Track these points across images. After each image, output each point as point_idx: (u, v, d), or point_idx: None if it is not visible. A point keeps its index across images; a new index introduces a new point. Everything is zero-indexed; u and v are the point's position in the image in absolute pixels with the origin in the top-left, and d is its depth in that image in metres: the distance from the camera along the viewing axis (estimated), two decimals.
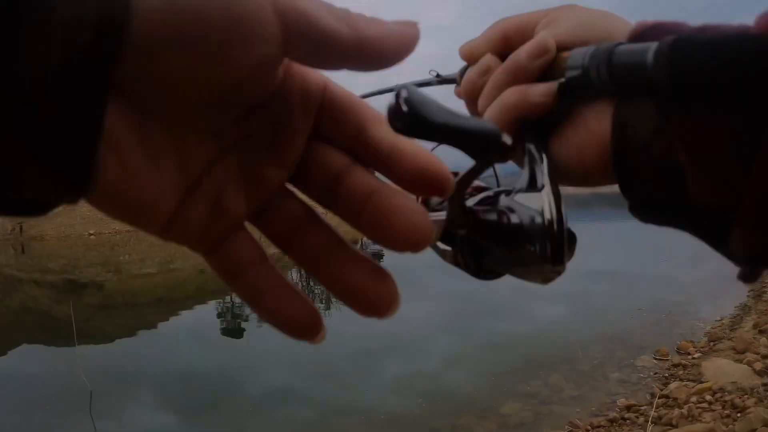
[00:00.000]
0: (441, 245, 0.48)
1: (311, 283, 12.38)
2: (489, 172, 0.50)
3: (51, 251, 27.21)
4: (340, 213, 0.30)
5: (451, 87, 0.58)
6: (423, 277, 12.19)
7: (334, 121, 0.29)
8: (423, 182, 0.29)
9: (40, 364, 7.68)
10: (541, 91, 0.45)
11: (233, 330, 8.79)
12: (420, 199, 0.44)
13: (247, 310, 9.65)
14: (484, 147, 0.32)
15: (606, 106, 0.43)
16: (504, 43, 0.50)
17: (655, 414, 4.63)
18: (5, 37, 0.19)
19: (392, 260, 14.99)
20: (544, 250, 0.39)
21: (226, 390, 6.05)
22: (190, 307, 10.68)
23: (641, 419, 4.71)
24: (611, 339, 6.85)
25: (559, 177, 0.44)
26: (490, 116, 0.47)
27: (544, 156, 0.44)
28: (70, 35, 0.20)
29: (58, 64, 0.20)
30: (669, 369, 5.87)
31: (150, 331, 9.08)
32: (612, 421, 4.75)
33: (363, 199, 0.29)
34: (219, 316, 9.84)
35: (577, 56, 0.44)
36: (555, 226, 0.39)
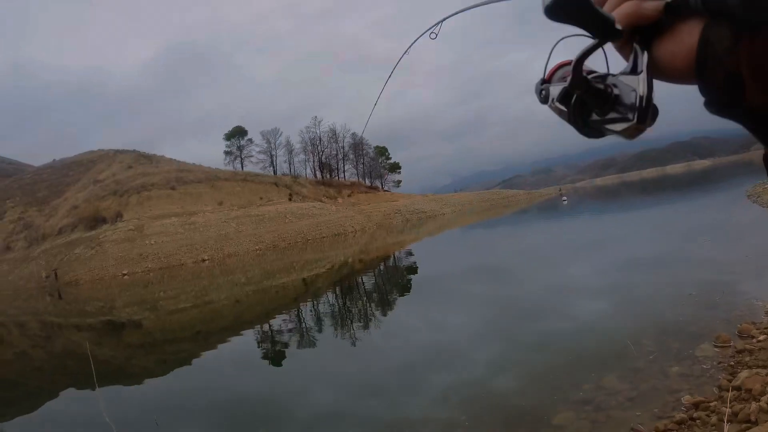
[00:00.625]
0: (559, 105, 0.67)
1: (347, 305, 12.37)
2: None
3: (87, 295, 27.41)
4: None
5: None
6: (457, 285, 12.10)
7: None
8: None
9: (87, 406, 7.65)
10: (652, 5, 0.59)
11: (273, 356, 8.71)
12: (548, 72, 0.72)
13: (286, 336, 9.62)
14: (605, 27, 0.58)
15: (698, 24, 0.56)
16: None
17: (729, 410, 4.09)
18: None
19: (426, 270, 14.87)
20: (633, 113, 0.58)
21: (274, 415, 6.06)
22: (229, 337, 10.64)
23: (714, 418, 4.18)
24: (664, 330, 6.45)
25: (654, 71, 0.60)
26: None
27: (645, 53, 0.61)
28: None
29: None
30: (733, 356, 5.40)
31: (192, 365, 9.04)
32: (680, 423, 4.26)
33: None
34: (259, 344, 9.77)
35: None
36: (644, 100, 0.58)
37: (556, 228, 24.26)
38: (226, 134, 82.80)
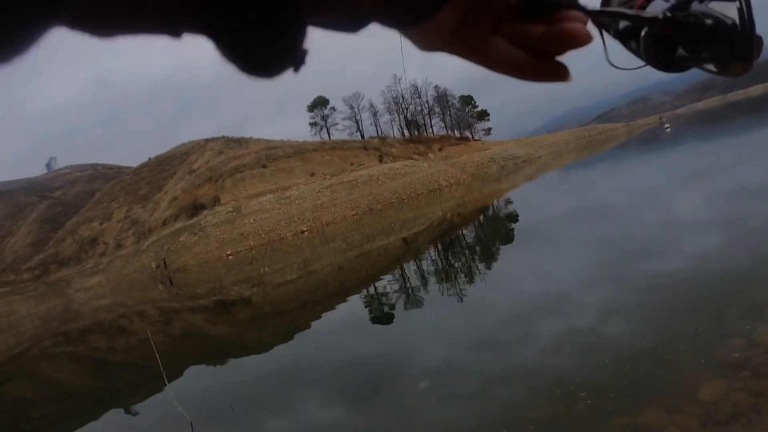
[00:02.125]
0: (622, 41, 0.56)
1: (450, 261, 12.26)
2: None
3: (196, 278, 28.48)
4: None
5: None
6: (561, 230, 11.73)
7: None
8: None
9: (212, 380, 7.91)
10: None
11: (383, 317, 8.70)
12: None
13: (392, 297, 9.60)
14: None
15: None
16: None
17: None
18: None
19: (528, 217, 14.51)
20: (734, 48, 0.47)
21: (389, 375, 6.01)
22: (337, 303, 10.73)
23: None
24: None
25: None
26: None
27: None
28: None
29: None
30: None
31: (304, 333, 9.17)
32: None
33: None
34: (366, 307, 9.80)
35: None
36: (747, 30, 0.47)
37: (663, 159, 23.01)
38: (308, 106, 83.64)
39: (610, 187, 18.42)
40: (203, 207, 50.49)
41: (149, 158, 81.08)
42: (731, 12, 0.47)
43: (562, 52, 0.41)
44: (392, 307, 9.10)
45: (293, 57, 0.28)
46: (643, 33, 0.54)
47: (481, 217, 19.57)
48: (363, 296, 10.79)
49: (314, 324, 9.63)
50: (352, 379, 6.22)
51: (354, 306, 10.10)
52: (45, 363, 15.11)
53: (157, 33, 0.26)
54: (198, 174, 58.67)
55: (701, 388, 3.71)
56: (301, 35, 0.27)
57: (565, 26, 0.40)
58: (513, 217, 17.02)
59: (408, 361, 6.28)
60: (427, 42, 0.39)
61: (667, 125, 60.56)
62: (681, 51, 0.52)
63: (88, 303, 33.42)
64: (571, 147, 68.47)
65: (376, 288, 11.12)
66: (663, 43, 0.53)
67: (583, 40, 0.39)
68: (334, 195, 48.51)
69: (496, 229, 15.72)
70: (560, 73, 0.41)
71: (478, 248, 13.16)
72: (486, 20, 0.40)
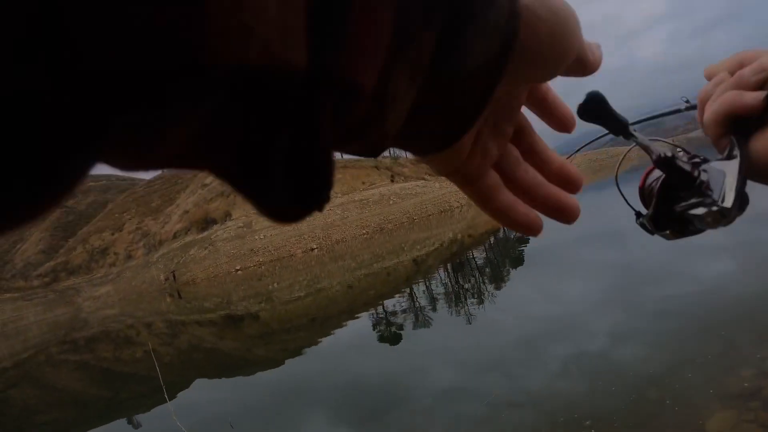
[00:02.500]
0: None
1: (460, 282, 12.21)
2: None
3: (205, 292, 28.53)
4: (536, 167, 0.43)
5: None
6: (571, 253, 11.69)
7: (536, 91, 0.42)
8: (563, 178, 0.43)
9: (216, 395, 7.89)
10: (753, 95, 0.58)
11: (390, 337, 8.68)
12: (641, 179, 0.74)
13: (400, 317, 9.58)
14: (621, 129, 0.66)
15: None
16: (738, 66, 0.63)
17: None
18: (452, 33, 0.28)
19: (538, 240, 14.43)
20: (720, 196, 0.55)
21: (395, 395, 5.98)
22: (344, 322, 10.72)
23: None
24: None
25: (750, 169, 0.58)
26: (711, 108, 0.62)
27: (742, 145, 0.59)
28: (490, 39, 0.30)
29: (490, 58, 0.30)
30: None
31: (310, 350, 9.14)
32: None
33: (558, 165, 0.43)
34: (374, 327, 9.77)
35: None
36: (735, 183, 0.55)
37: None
38: None
39: (621, 210, 18.29)
40: (214, 221, 50.69)
41: (162, 171, 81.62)
42: (727, 168, 0.58)
43: (548, 211, 0.42)
44: (400, 327, 9.07)
45: (320, 197, 0.27)
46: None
47: (492, 239, 19.51)
48: (371, 316, 10.76)
49: (321, 342, 9.61)
50: (357, 398, 6.19)
51: (362, 325, 10.07)
52: (50, 369, 15.17)
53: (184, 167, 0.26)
54: (210, 188, 58.94)
55: (710, 418, 3.65)
56: (328, 175, 0.26)
57: (562, 197, 0.42)
58: (523, 240, 16.97)
59: (414, 382, 6.23)
60: (438, 168, 0.39)
61: (679, 149, 60.70)
62: (680, 202, 0.63)
63: (96, 312, 33.59)
64: (584, 170, 68.03)
65: (384, 308, 11.10)
66: (667, 192, 0.66)
67: (571, 214, 0.42)
68: (345, 213, 48.55)
69: (506, 252, 15.68)
70: (533, 228, 0.42)
71: (487, 270, 13.11)
72: (492, 152, 0.40)
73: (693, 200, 0.60)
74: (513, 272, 11.95)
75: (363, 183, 58.15)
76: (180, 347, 13.65)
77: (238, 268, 39.98)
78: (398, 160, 72.07)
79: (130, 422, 7.66)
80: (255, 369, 9.05)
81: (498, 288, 10.53)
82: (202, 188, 60.79)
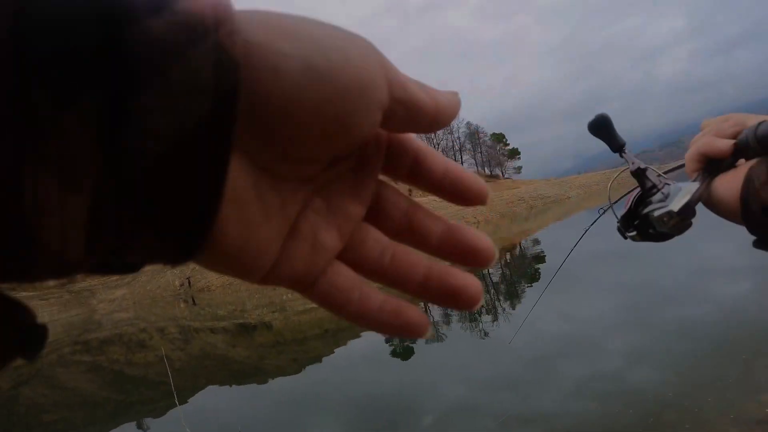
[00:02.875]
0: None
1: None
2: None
3: (219, 299, 28.59)
4: (414, 245, 0.35)
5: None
6: (588, 272, 11.59)
7: (396, 155, 0.34)
8: (469, 197, 0.35)
9: (227, 402, 7.88)
10: (723, 142, 0.72)
11: (403, 351, 8.63)
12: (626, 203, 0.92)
13: None
14: (617, 146, 0.94)
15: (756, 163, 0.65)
16: (724, 120, 0.77)
17: None
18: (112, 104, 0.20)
19: (555, 258, 14.35)
20: (672, 201, 0.74)
21: (406, 409, 5.93)
22: (357, 335, 10.68)
23: None
24: None
25: (711, 201, 0.74)
26: (691, 149, 0.78)
27: (707, 178, 0.74)
28: (189, 105, 0.22)
29: (176, 135, 0.22)
30: None
31: (322, 362, 9.12)
32: None
33: (439, 236, 0.34)
34: (387, 340, 9.73)
35: (750, 128, 0.67)
36: (689, 196, 0.72)
37: None
38: None
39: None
40: None
41: None
42: (686, 185, 0.75)
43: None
44: (413, 341, 9.02)
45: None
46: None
47: (508, 256, 19.43)
48: None
49: (333, 353, 9.60)
50: (367, 412, 6.16)
51: (375, 338, 10.03)
52: (62, 370, 15.21)
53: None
54: None
55: None
56: None
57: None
58: (540, 258, 16.87)
59: (426, 397, 6.20)
60: (237, 275, 0.29)
61: (660, 174, 60.36)
62: (647, 208, 0.81)
63: (111, 315, 33.76)
64: (602, 188, 67.85)
65: None
66: (640, 200, 0.85)
67: (464, 301, 0.33)
68: None
69: (522, 269, 15.59)
70: (412, 331, 0.33)
71: (502, 287, 13.04)
72: (328, 244, 0.31)
73: (653, 206, 0.77)
74: (528, 290, 11.87)
75: None
76: (192, 353, 13.67)
77: None
78: None
79: (139, 426, 7.66)
80: (266, 378, 9.03)
81: (513, 305, 10.47)
82: None
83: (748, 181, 0.64)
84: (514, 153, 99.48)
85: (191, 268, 45.36)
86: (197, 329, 18.52)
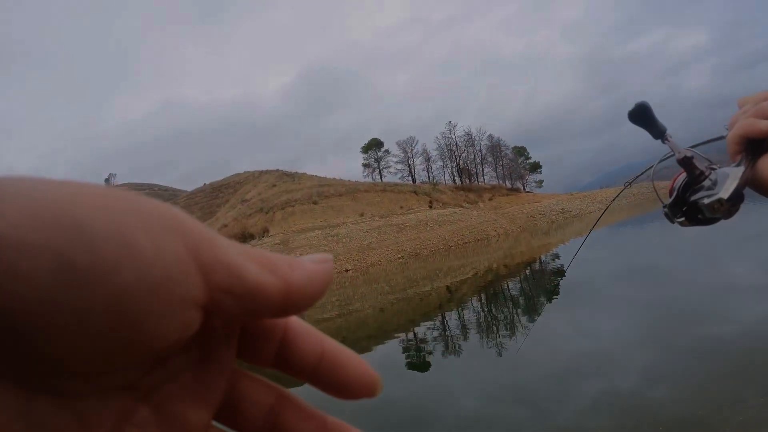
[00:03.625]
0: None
1: (493, 312, 12.07)
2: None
3: None
4: None
5: None
6: (605, 288, 11.49)
7: (255, 337, 0.29)
8: (351, 390, 0.30)
9: None
10: (765, 123, 0.70)
11: (419, 364, 8.61)
12: (673, 180, 0.85)
13: (430, 344, 9.51)
14: (659, 133, 0.90)
15: None
16: (764, 100, 0.74)
17: None
18: None
19: (575, 274, 14.21)
20: (721, 189, 0.72)
21: (421, 422, 5.94)
22: (375, 345, 10.68)
23: None
24: None
25: (754, 181, 0.72)
26: (732, 130, 0.74)
27: (751, 161, 0.72)
28: None
29: None
30: None
31: None
32: None
33: None
34: (404, 351, 9.71)
35: None
36: (737, 181, 0.71)
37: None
38: (363, 147, 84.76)
39: (660, 246, 18.02)
40: (252, 237, 51.22)
41: (204, 184, 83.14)
42: (732, 171, 0.73)
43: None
44: (430, 354, 9.01)
45: None
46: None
47: (528, 270, 19.34)
48: (401, 341, 10.71)
49: None
50: (382, 423, 6.15)
51: (392, 349, 10.03)
52: None
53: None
54: (250, 204, 59.78)
55: None
56: None
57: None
58: (559, 272, 16.79)
59: (441, 410, 6.19)
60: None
61: (705, 158, 59.83)
62: (695, 194, 0.79)
63: None
64: (623, 204, 67.51)
65: (415, 333, 11.04)
66: (687, 186, 0.81)
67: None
68: (382, 236, 48.64)
69: (541, 284, 15.51)
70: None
71: (521, 300, 12.99)
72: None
73: (702, 193, 0.76)
74: (548, 305, 11.80)
75: (401, 207, 58.32)
76: None
77: None
78: (437, 186, 72.05)
79: None
80: (284, 386, 9.04)
81: (531, 320, 10.41)
82: (242, 203, 61.61)
83: None
84: (536, 167, 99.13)
85: None
86: None
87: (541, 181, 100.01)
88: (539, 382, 6.40)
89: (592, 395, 5.56)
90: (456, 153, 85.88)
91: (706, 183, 0.77)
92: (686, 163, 0.80)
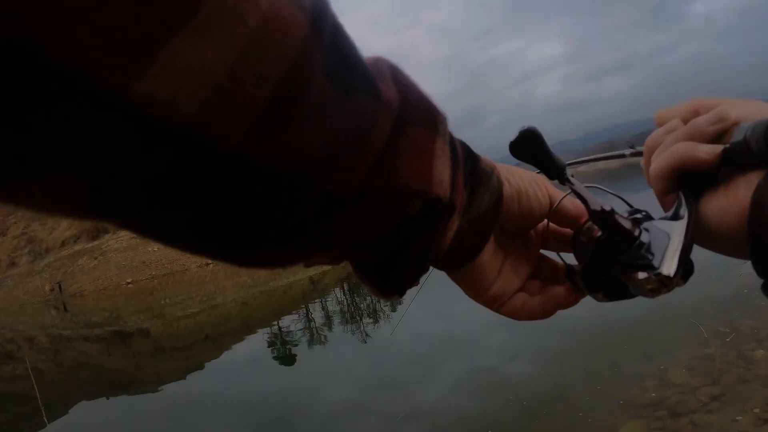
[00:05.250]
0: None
1: (356, 301, 12.30)
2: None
3: (93, 305, 27.43)
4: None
5: None
6: None
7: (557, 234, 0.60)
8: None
9: (101, 418, 7.62)
10: (707, 149, 0.50)
11: (285, 357, 8.67)
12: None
13: (296, 336, 9.57)
14: (557, 172, 0.59)
15: (758, 177, 0.46)
16: (693, 114, 0.56)
17: None
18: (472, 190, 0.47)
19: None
20: (660, 261, 0.48)
21: (291, 414, 5.98)
22: (239, 340, 10.62)
23: None
24: (731, 305, 5.46)
25: (698, 233, 0.50)
26: (659, 160, 0.55)
27: (691, 203, 0.52)
28: (495, 194, 0.49)
29: (491, 206, 0.48)
30: None
31: (203, 370, 9.00)
32: None
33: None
34: (269, 345, 9.73)
35: (743, 127, 0.48)
36: (680, 247, 0.48)
37: None
38: None
39: None
40: (106, 230, 48.76)
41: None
42: (671, 229, 0.50)
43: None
44: (296, 346, 9.07)
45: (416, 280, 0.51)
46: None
47: None
48: (266, 334, 10.69)
49: (214, 361, 9.48)
50: (250, 419, 6.13)
51: (257, 343, 10.00)
52: None
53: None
54: None
55: (621, 428, 3.85)
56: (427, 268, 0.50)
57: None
58: None
59: (310, 401, 6.23)
60: (468, 289, 0.56)
61: (620, 198, 63.68)
62: (615, 263, 0.54)
63: None
64: None
65: (280, 326, 11.06)
66: (602, 251, 0.55)
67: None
68: None
69: None
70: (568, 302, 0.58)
71: None
72: (523, 271, 0.56)
73: (631, 263, 0.51)
74: (409, 293, 12.13)
75: None
76: (64, 364, 13.09)
77: (129, 281, 38.54)
78: None
79: None
80: (145, 388, 8.80)
81: (393, 308, 10.70)
82: None
83: (757, 203, 0.46)
84: None
85: (62, 273, 43.21)
86: (70, 338, 17.71)
87: None
88: (405, 367, 6.62)
89: (457, 375, 5.86)
90: None
91: (635, 246, 0.52)
92: (605, 219, 0.53)
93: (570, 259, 0.60)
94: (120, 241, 45.14)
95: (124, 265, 41.21)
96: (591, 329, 6.13)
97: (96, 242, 46.93)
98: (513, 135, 0.57)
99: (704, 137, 0.52)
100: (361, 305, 11.70)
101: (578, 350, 5.68)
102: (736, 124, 0.50)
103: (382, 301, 11.58)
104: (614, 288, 0.56)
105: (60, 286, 41.16)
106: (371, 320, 9.92)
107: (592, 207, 0.53)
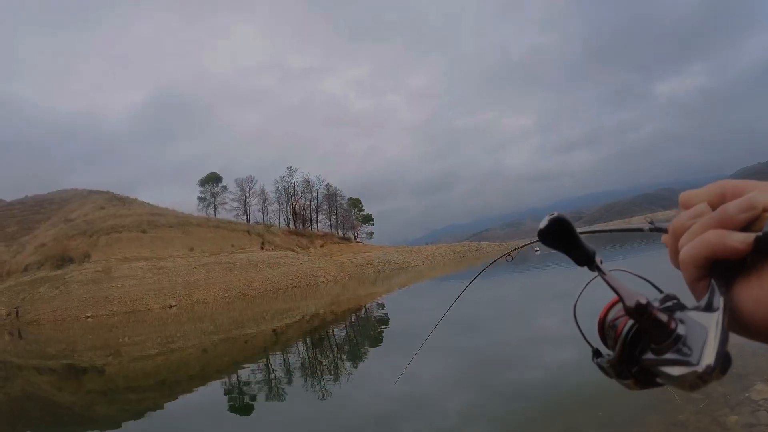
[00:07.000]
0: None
1: (318, 356, 12.19)
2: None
3: (48, 335, 26.82)
4: None
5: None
6: (431, 337, 11.99)
7: None
8: None
9: None
10: (739, 237, 0.52)
11: (241, 407, 8.56)
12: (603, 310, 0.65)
13: (255, 387, 9.47)
14: (587, 259, 0.60)
15: None
16: (720, 199, 0.57)
17: None
18: None
19: (398, 322, 14.57)
20: (699, 357, 0.48)
21: None
22: (195, 387, 10.47)
23: None
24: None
25: (734, 323, 0.52)
26: (689, 247, 0.55)
27: (724, 292, 0.52)
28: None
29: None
30: None
31: (156, 413, 8.85)
32: None
33: None
34: (226, 394, 9.61)
35: None
36: (718, 343, 0.48)
37: (527, 277, 24.16)
38: (200, 180, 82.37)
39: (479, 300, 19.08)
40: (71, 260, 48.14)
41: (26, 195, 77.28)
42: (709, 322, 0.50)
43: None
44: (253, 397, 8.97)
45: None
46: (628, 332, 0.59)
47: (353, 317, 19.73)
48: (224, 383, 10.57)
49: (168, 406, 9.32)
50: None
51: (213, 392, 9.87)
52: None
53: None
54: (73, 225, 56.25)
55: None
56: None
57: None
58: (383, 321, 17.30)
59: None
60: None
61: (537, 248, 63.45)
62: (649, 353, 0.55)
63: None
64: (447, 260, 70.75)
65: (238, 376, 10.93)
66: (634, 340, 0.57)
67: None
68: (210, 274, 47.51)
69: (365, 331, 15.87)
70: None
71: (346, 347, 13.23)
72: None
73: (667, 356, 0.52)
74: (371, 351, 12.14)
75: (232, 246, 57.46)
76: (12, 394, 12.73)
77: (89, 315, 37.88)
78: (271, 228, 71.57)
79: None
80: (92, 427, 8.62)
81: (355, 366, 10.65)
82: (65, 223, 57.80)
83: None
84: (368, 219, 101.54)
85: (21, 298, 42.27)
86: (21, 366, 17.29)
87: (372, 233, 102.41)
88: (363, 425, 6.62)
89: None
90: (293, 197, 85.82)
91: (671, 339, 0.52)
92: (642, 313, 0.54)
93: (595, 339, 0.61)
94: (84, 273, 44.46)
95: (86, 298, 40.52)
96: (553, 393, 6.28)
97: (60, 271, 46.16)
98: (542, 222, 0.59)
99: (735, 225, 0.53)
100: (324, 361, 11.63)
101: (536, 413, 5.81)
102: (766, 211, 0.52)
103: (344, 358, 11.56)
104: (647, 377, 0.57)
105: (17, 312, 40.27)
106: (332, 376, 9.85)
107: (627, 303, 0.54)
